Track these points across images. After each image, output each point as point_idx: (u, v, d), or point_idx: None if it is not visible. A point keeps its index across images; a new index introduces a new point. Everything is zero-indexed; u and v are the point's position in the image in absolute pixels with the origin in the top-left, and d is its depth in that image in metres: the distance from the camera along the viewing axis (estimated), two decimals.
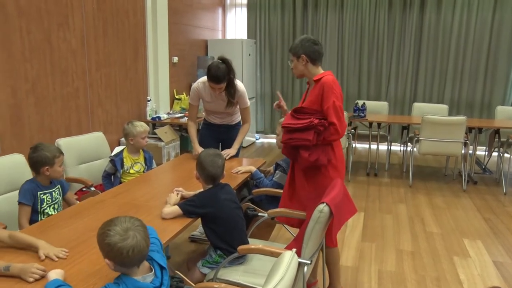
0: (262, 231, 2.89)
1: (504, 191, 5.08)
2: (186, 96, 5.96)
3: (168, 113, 5.63)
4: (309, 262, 1.93)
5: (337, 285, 2.70)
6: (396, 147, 7.20)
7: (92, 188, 3.05)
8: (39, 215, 2.44)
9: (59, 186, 2.58)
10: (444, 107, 5.99)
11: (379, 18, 7.10)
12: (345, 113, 2.87)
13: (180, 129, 5.45)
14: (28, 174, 2.56)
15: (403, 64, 7.16)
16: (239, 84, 3.34)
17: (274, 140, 7.77)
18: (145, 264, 1.50)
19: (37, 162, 2.40)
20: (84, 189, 3.12)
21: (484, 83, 6.90)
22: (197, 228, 3.66)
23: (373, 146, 6.17)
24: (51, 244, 1.80)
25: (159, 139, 4.90)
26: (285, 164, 2.97)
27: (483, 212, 4.41)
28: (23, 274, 1.57)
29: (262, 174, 3.06)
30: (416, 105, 6.18)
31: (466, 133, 4.96)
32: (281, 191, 2.84)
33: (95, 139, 3.48)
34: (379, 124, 5.70)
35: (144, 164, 3.24)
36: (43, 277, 1.58)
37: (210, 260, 2.25)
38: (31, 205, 2.39)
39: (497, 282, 3.00)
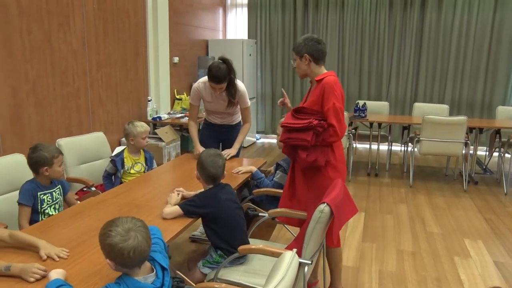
0: (263, 231, 2.89)
1: (505, 191, 5.08)
2: (187, 96, 5.96)
3: (169, 113, 5.63)
4: (309, 262, 1.93)
5: (338, 285, 2.70)
6: (397, 147, 7.19)
7: (93, 188, 3.05)
8: (40, 215, 2.44)
9: (60, 186, 2.58)
10: (445, 107, 5.98)
11: (379, 18, 7.10)
12: (345, 113, 2.87)
13: (181, 129, 5.45)
14: (29, 174, 2.56)
15: (404, 64, 7.16)
16: (239, 84, 3.34)
17: (274, 140, 7.77)
18: (147, 264, 1.50)
19: (36, 162, 2.40)
20: (85, 189, 3.12)
21: (485, 83, 6.90)
22: (198, 228, 3.66)
23: (374, 146, 6.16)
24: (51, 244, 1.80)
25: (160, 139, 4.90)
26: (286, 164, 2.97)
27: (484, 212, 4.40)
28: (24, 274, 1.57)
29: (263, 174, 3.06)
30: (417, 105, 6.17)
31: (466, 133, 4.96)
32: (282, 191, 2.84)
33: (95, 139, 3.48)
34: (379, 124, 5.70)
35: (144, 164, 3.24)
36: (44, 277, 1.58)
37: (210, 260, 2.25)
38: (31, 206, 2.39)
39: (498, 282, 3.00)
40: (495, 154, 5.83)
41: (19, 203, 2.38)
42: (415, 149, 5.28)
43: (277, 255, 1.87)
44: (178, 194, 2.40)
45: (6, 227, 2.21)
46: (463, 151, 5.01)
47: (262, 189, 2.92)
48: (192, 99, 3.47)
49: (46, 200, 2.45)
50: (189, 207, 2.18)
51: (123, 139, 4.69)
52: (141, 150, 3.26)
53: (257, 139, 7.93)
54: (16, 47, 3.41)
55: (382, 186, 5.23)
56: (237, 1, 7.78)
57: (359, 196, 4.83)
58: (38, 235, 1.93)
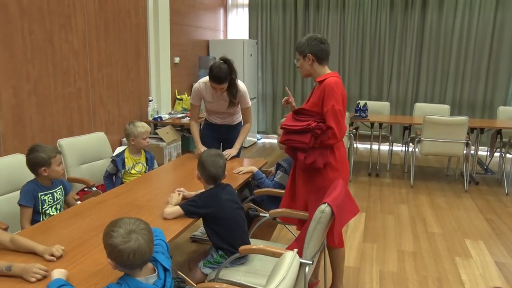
0: (264, 231, 2.89)
1: (506, 192, 5.07)
2: (188, 96, 5.96)
3: (170, 114, 5.63)
4: (310, 262, 1.93)
5: (339, 286, 2.70)
6: (398, 148, 7.19)
7: (94, 188, 3.05)
8: (41, 215, 2.44)
9: (61, 187, 2.58)
10: (446, 107, 5.98)
11: (380, 18, 7.10)
12: (346, 113, 2.86)
13: (182, 129, 5.45)
14: (30, 174, 2.57)
15: (405, 64, 7.15)
16: (240, 84, 3.35)
17: (275, 141, 7.77)
18: (149, 265, 1.50)
19: (33, 163, 2.41)
20: (86, 189, 3.13)
21: (486, 83, 6.89)
22: (199, 228, 3.66)
23: (375, 147, 6.16)
24: (52, 245, 1.80)
25: (161, 139, 4.90)
26: (287, 164, 2.97)
27: (485, 212, 4.40)
28: (25, 274, 1.57)
29: (264, 175, 3.06)
30: (418, 105, 6.17)
31: (468, 134, 4.95)
32: (283, 191, 2.84)
33: (96, 139, 3.48)
34: (380, 125, 5.70)
35: (145, 165, 3.25)
36: (45, 277, 1.58)
37: (211, 260, 2.25)
38: (31, 207, 2.39)
39: (499, 282, 3.00)
40: (496, 154, 5.82)
41: (20, 204, 2.38)
42: (416, 149, 5.27)
43: (278, 255, 1.87)
44: (179, 194, 2.40)
45: (7, 228, 2.21)
46: (464, 151, 5.01)
47: (263, 189, 2.92)
48: (193, 99, 3.48)
49: (47, 201, 2.46)
50: (190, 207, 2.18)
51: (124, 139, 4.69)
52: (142, 150, 3.27)
53: (258, 139, 7.93)
54: (18, 47, 3.42)
55: (383, 186, 5.22)
56: (238, 1, 7.78)
57: (360, 196, 4.83)
58: (39, 235, 1.93)
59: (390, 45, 7.16)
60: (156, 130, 5.02)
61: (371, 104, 6.04)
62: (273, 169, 3.22)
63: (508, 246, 3.60)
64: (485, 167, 6.09)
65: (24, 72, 3.49)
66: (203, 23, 6.87)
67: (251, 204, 2.81)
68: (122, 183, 3.04)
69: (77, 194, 3.07)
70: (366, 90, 7.40)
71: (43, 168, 2.40)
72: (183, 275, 1.94)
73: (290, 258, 1.46)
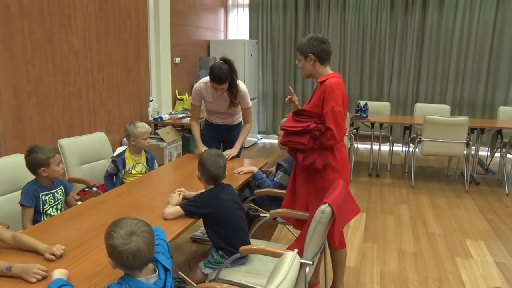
0: (264, 231, 2.89)
1: (507, 192, 5.07)
2: (188, 96, 5.96)
3: (170, 114, 5.63)
4: (311, 262, 1.93)
5: (339, 286, 2.69)
6: (398, 148, 7.19)
7: (94, 189, 3.05)
8: (42, 216, 2.44)
9: (62, 187, 2.58)
10: (446, 107, 5.98)
11: (381, 19, 7.10)
12: (347, 114, 2.85)
13: (182, 129, 5.45)
14: (31, 174, 2.57)
15: (405, 64, 7.15)
16: (241, 84, 3.35)
17: (275, 141, 7.77)
18: (149, 265, 1.50)
19: (32, 164, 2.41)
20: (86, 189, 3.13)
21: (487, 83, 6.89)
22: (199, 229, 3.66)
23: (375, 147, 6.15)
24: (53, 245, 1.80)
25: (161, 140, 4.90)
26: (287, 165, 2.97)
27: (486, 212, 4.39)
28: (25, 274, 1.57)
29: (264, 175, 3.06)
30: (418, 105, 6.17)
31: (468, 134, 4.95)
32: (283, 191, 2.84)
33: (97, 140, 3.48)
34: (381, 125, 5.70)
35: (146, 165, 3.24)
36: (45, 277, 1.58)
37: (212, 260, 2.25)
38: (33, 207, 2.39)
39: (499, 283, 2.99)
40: (497, 154, 5.82)
41: (21, 205, 2.38)
42: (417, 150, 5.27)
43: (278, 255, 1.87)
44: (179, 194, 2.40)
45: (8, 228, 2.21)
46: (465, 152, 5.01)
47: (263, 190, 2.92)
48: (193, 99, 3.48)
49: (48, 201, 2.46)
50: (190, 207, 2.18)
51: (125, 139, 4.69)
52: (143, 151, 3.27)
53: (258, 140, 7.93)
54: (18, 47, 3.42)
55: (384, 187, 5.22)
56: (238, 2, 7.78)
57: (360, 197, 4.83)
58: (40, 235, 1.93)
59: (391, 45, 7.16)
60: (157, 130, 5.02)
61: (371, 104, 6.04)
62: (273, 169, 3.22)
63: (509, 246, 3.60)
64: (486, 167, 6.09)
65: (24, 72, 3.49)
66: (203, 23, 6.88)
67: (252, 204, 2.81)
68: (122, 183, 3.04)
69: (77, 194, 3.07)
70: (366, 90, 7.40)
71: (42, 168, 2.40)
72: (184, 275, 1.94)
73: (291, 258, 1.46)
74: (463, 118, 4.86)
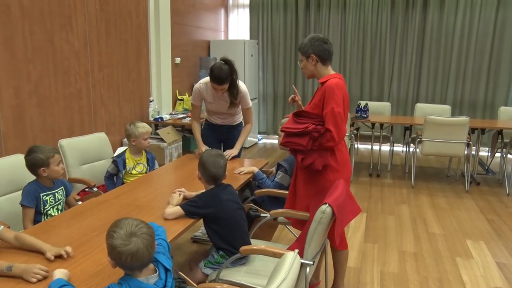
0: (264, 231, 2.89)
1: (507, 192, 5.07)
2: (189, 96, 5.96)
3: (171, 114, 5.64)
4: (311, 263, 1.93)
5: (340, 286, 2.69)
6: (399, 148, 7.18)
7: (95, 189, 3.05)
8: (42, 216, 2.44)
9: (62, 187, 2.58)
10: (447, 107, 5.98)
11: (381, 18, 7.10)
12: (348, 114, 2.83)
13: (183, 129, 5.45)
14: (31, 175, 2.57)
15: (406, 64, 7.15)
16: (241, 84, 3.35)
17: (276, 141, 7.77)
18: (150, 265, 1.50)
19: (32, 164, 2.41)
20: (87, 189, 3.13)
21: (487, 84, 6.89)
22: (199, 229, 3.66)
23: (376, 147, 6.15)
24: (54, 245, 1.80)
25: (162, 140, 4.91)
26: (287, 165, 2.97)
27: (486, 213, 4.39)
28: (26, 274, 1.57)
29: (265, 175, 3.06)
30: (419, 105, 6.17)
31: (468, 134, 4.95)
32: (284, 191, 2.84)
33: (97, 140, 3.49)
34: (381, 125, 5.70)
35: (146, 165, 3.25)
36: (45, 277, 1.58)
37: (212, 260, 2.25)
38: (33, 207, 2.39)
39: (500, 283, 2.99)
40: (497, 154, 5.81)
41: (22, 205, 2.38)
42: (417, 150, 5.27)
43: (278, 255, 1.87)
44: (180, 194, 2.40)
45: (8, 228, 2.21)
46: (465, 152, 5.00)
47: (263, 190, 2.92)
48: (194, 100, 3.48)
49: (48, 201, 2.46)
50: (191, 207, 2.18)
51: (125, 139, 4.70)
52: (143, 151, 3.27)
53: (258, 140, 7.93)
54: (19, 48, 3.42)
55: (384, 187, 5.22)
56: (239, 2, 7.78)
57: (361, 197, 4.82)
58: (40, 235, 1.94)
59: (391, 45, 7.16)
60: (157, 131, 5.02)
61: (372, 104, 6.04)
62: (273, 169, 3.22)
63: (509, 247, 3.59)
64: (486, 168, 6.09)
65: (25, 73, 3.49)
66: (204, 24, 6.88)
67: (252, 204, 2.81)
68: (123, 183, 3.04)
69: (78, 194, 3.07)
70: (367, 90, 7.40)
71: (42, 168, 2.40)
72: (184, 276, 1.94)
73: (291, 259, 1.46)
74: (464, 118, 4.86)
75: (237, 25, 7.90)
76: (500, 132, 5.47)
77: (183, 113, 5.71)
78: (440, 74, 7.04)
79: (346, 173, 2.52)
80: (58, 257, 1.75)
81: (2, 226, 1.87)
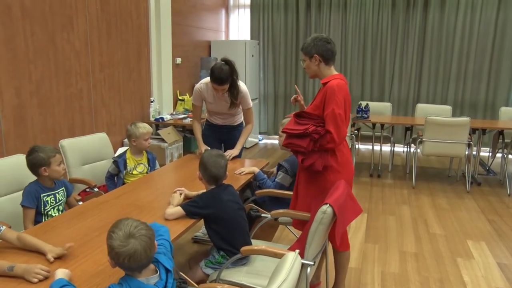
0: (265, 232, 2.89)
1: (508, 193, 5.06)
2: (189, 97, 5.97)
3: (171, 114, 5.64)
4: (312, 263, 1.93)
5: (341, 287, 2.69)
6: (400, 148, 7.18)
7: (96, 189, 3.05)
8: (43, 217, 2.44)
9: (63, 188, 2.58)
10: (448, 108, 5.97)
11: (382, 19, 7.09)
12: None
13: (183, 130, 5.46)
14: (32, 175, 2.57)
15: (407, 64, 7.15)
16: (241, 85, 3.35)
17: (277, 141, 7.77)
18: (150, 266, 1.50)
19: (33, 164, 2.41)
20: (88, 190, 3.13)
21: (488, 84, 6.88)
22: (200, 229, 3.66)
23: (376, 147, 6.15)
24: (55, 245, 1.80)
25: (162, 140, 4.91)
26: (288, 165, 2.97)
27: (487, 213, 4.39)
28: (27, 274, 1.57)
29: (265, 175, 3.06)
30: (420, 106, 6.17)
31: (469, 134, 4.95)
32: (284, 192, 2.85)
33: (98, 140, 3.49)
34: (382, 125, 5.69)
35: (147, 165, 3.25)
36: (46, 278, 1.58)
37: (213, 260, 2.25)
38: (34, 208, 2.39)
39: (501, 284, 2.99)
40: (498, 155, 5.81)
41: (22, 206, 2.38)
42: (418, 150, 5.27)
43: (279, 256, 1.87)
44: (181, 194, 2.40)
45: (9, 227, 2.21)
46: (466, 152, 5.00)
47: (264, 190, 2.92)
48: (194, 100, 3.48)
49: (49, 202, 2.46)
50: (191, 208, 2.18)
51: (126, 140, 4.70)
52: (144, 151, 3.27)
53: (259, 140, 7.93)
54: (20, 48, 3.42)
55: (385, 187, 5.22)
56: (240, 2, 7.78)
57: (362, 197, 4.82)
58: (41, 235, 1.94)
59: (392, 45, 7.15)
60: (158, 131, 5.02)
61: (372, 104, 6.04)
62: (274, 169, 3.22)
63: (510, 247, 3.59)
64: (487, 168, 6.08)
65: (26, 73, 3.49)
66: (204, 24, 6.88)
67: (253, 204, 2.82)
68: (123, 183, 3.04)
69: (79, 194, 3.08)
70: (367, 90, 7.40)
71: (43, 168, 2.41)
72: (185, 276, 1.94)
73: (292, 259, 1.46)
74: (465, 119, 4.85)
75: (238, 26, 7.90)
76: (501, 133, 5.46)
77: (183, 114, 5.71)
78: (441, 75, 7.04)
79: (348, 174, 2.51)
80: (59, 257, 1.75)
81: (4, 227, 1.87)
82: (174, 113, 5.76)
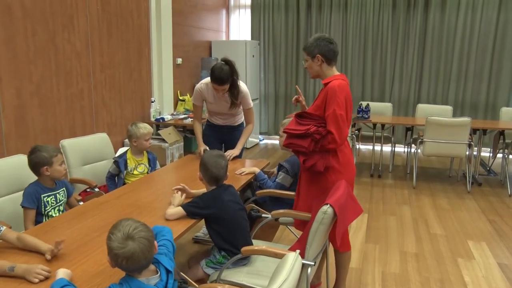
0: (266, 232, 2.89)
1: (509, 193, 5.06)
2: (190, 97, 5.97)
3: (172, 114, 5.64)
4: (312, 263, 1.93)
5: (341, 287, 2.69)
6: (400, 149, 7.17)
7: (96, 189, 3.05)
8: (43, 217, 2.44)
9: (64, 188, 2.58)
10: (448, 108, 5.97)
11: (383, 19, 7.09)
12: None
13: (184, 130, 5.46)
14: (33, 175, 2.57)
15: (407, 65, 7.14)
16: (242, 85, 3.35)
17: (277, 142, 7.77)
18: (150, 266, 1.50)
19: (35, 163, 2.41)
20: (88, 190, 3.13)
21: (489, 84, 6.88)
22: (201, 229, 3.66)
23: (377, 148, 6.15)
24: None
25: (163, 140, 4.91)
26: (288, 165, 2.97)
27: (488, 213, 4.38)
28: (28, 274, 1.57)
29: (266, 176, 3.06)
30: (420, 106, 6.16)
31: (470, 135, 4.94)
32: (285, 192, 2.85)
33: (99, 140, 3.49)
34: (383, 126, 5.69)
35: (148, 165, 3.25)
36: (47, 278, 1.58)
37: (214, 260, 2.25)
38: (35, 209, 2.39)
39: (502, 284, 2.99)
40: (499, 155, 5.80)
41: (23, 206, 2.38)
42: (419, 150, 5.26)
43: (280, 256, 1.87)
44: (182, 195, 2.40)
45: (10, 228, 2.21)
46: (467, 153, 5.00)
47: (265, 190, 2.92)
48: (195, 100, 3.49)
49: (50, 202, 2.46)
50: (192, 208, 2.18)
51: (126, 140, 4.70)
52: (144, 151, 3.27)
53: (260, 140, 7.93)
54: (20, 48, 3.43)
55: (385, 188, 5.22)
56: (240, 2, 7.79)
57: (362, 197, 4.82)
58: (41, 235, 1.94)
59: (393, 46, 7.15)
60: (159, 131, 5.03)
61: (373, 105, 6.04)
62: (275, 170, 3.22)
63: (511, 248, 3.59)
64: (488, 168, 6.08)
65: (26, 73, 3.50)
66: (205, 24, 6.88)
67: (253, 205, 2.82)
68: (124, 184, 3.04)
69: (79, 195, 3.08)
70: (368, 91, 7.39)
71: (45, 167, 2.41)
72: (186, 276, 1.94)
73: (292, 259, 1.46)
74: (465, 119, 4.85)
75: (238, 26, 7.90)
76: (501, 133, 5.46)
77: (184, 114, 5.71)
78: (442, 75, 7.04)
79: (349, 174, 2.51)
80: (59, 257, 1.75)
81: (4, 227, 1.87)
82: (174, 113, 5.76)
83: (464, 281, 3.03)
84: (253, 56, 7.14)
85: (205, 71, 6.47)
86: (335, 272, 2.70)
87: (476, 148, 5.57)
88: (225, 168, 2.27)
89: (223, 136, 3.61)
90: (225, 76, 3.12)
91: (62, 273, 1.55)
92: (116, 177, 3.16)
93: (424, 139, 5.03)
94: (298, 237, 2.16)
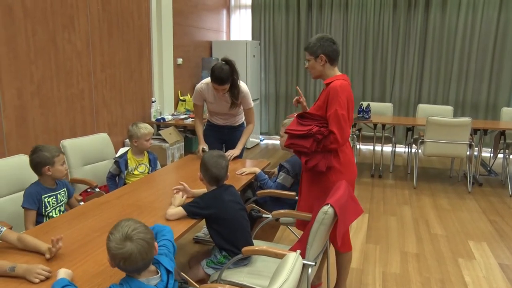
0: (267, 232, 2.89)
1: (510, 193, 5.05)
2: (191, 97, 5.97)
3: (173, 115, 5.64)
4: (313, 264, 1.93)
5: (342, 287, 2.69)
6: (401, 149, 7.17)
7: (97, 189, 3.05)
8: (44, 218, 2.44)
9: (65, 189, 2.58)
10: (449, 108, 5.96)
11: (383, 19, 7.09)
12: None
13: (185, 130, 5.46)
14: (34, 175, 2.57)
15: (408, 65, 7.14)
16: (242, 85, 3.35)
17: (278, 142, 7.77)
18: (151, 267, 1.50)
19: (37, 163, 2.41)
20: (89, 190, 3.13)
21: (489, 84, 6.87)
22: (202, 229, 3.66)
23: (378, 148, 6.15)
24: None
25: (164, 140, 4.91)
26: (289, 166, 2.97)
27: (489, 214, 4.38)
28: (28, 274, 1.57)
29: (266, 176, 3.06)
30: (421, 106, 6.16)
31: (471, 135, 4.94)
32: (286, 192, 2.84)
33: (100, 140, 3.49)
34: (383, 126, 5.69)
35: (148, 165, 3.25)
36: (48, 278, 1.58)
37: (215, 260, 2.25)
38: (35, 209, 2.39)
39: (502, 284, 2.99)
40: (500, 155, 5.80)
41: (24, 207, 2.38)
42: (419, 151, 5.26)
43: (280, 256, 1.87)
44: (183, 195, 2.40)
45: (10, 228, 2.22)
46: (468, 153, 5.00)
47: (265, 191, 2.92)
48: (195, 99, 3.49)
49: (50, 203, 2.46)
50: (193, 208, 2.18)
51: (127, 140, 4.70)
52: (145, 151, 3.27)
53: (260, 141, 7.93)
54: (21, 49, 3.43)
55: (386, 188, 5.21)
56: (241, 2, 7.79)
57: (363, 198, 4.82)
58: (42, 235, 1.94)
59: (393, 46, 7.15)
60: (159, 131, 5.03)
61: (374, 105, 6.04)
62: (275, 170, 3.22)
63: None
64: (489, 169, 6.07)
65: (27, 73, 3.50)
66: (206, 24, 6.88)
67: (254, 205, 2.82)
68: (125, 184, 3.04)
69: (80, 195, 3.08)
70: (369, 91, 7.39)
71: (47, 167, 2.41)
72: (186, 277, 1.94)
73: (293, 260, 1.46)
74: (466, 119, 4.85)
75: (239, 26, 7.90)
76: (502, 133, 5.45)
77: (185, 114, 5.72)
78: (442, 75, 7.03)
79: (350, 175, 2.51)
80: (60, 257, 1.75)
81: (5, 228, 1.87)
82: (175, 113, 5.76)
83: (465, 281, 3.02)
84: (254, 56, 7.15)
85: (205, 71, 6.47)
86: (336, 273, 2.70)
87: (476, 148, 5.56)
88: (225, 168, 2.27)
89: (224, 136, 3.61)
90: (225, 76, 3.12)
91: (63, 273, 1.56)
92: (117, 177, 3.16)
93: (425, 139, 5.02)
94: (299, 237, 2.16)
